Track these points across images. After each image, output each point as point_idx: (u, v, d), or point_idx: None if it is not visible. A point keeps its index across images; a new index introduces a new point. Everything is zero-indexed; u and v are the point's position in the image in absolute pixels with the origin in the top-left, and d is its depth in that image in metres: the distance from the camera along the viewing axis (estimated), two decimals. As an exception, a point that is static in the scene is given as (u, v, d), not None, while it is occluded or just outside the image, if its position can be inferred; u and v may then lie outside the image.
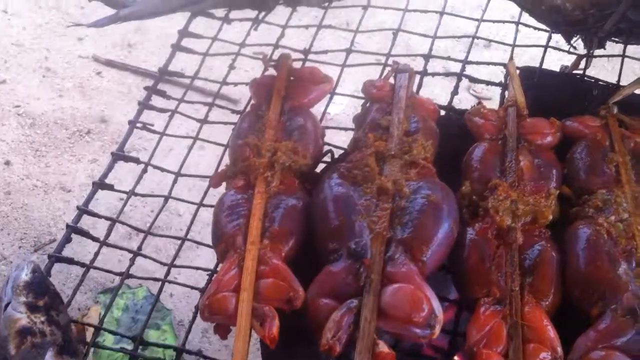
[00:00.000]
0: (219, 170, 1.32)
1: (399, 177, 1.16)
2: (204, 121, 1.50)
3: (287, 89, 1.39)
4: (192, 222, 1.30)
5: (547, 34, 1.56)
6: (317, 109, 1.41)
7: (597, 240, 1.07)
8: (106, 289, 2.38)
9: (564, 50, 1.52)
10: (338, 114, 2.75)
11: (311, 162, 1.27)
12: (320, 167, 1.34)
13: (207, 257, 1.76)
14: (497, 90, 1.48)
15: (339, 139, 1.42)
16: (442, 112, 1.41)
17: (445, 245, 1.09)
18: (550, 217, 1.13)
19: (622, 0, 1.23)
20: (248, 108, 1.42)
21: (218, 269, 1.13)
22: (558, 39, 1.54)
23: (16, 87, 3.10)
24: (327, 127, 1.44)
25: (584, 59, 1.54)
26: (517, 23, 1.58)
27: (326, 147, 1.37)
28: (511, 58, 1.50)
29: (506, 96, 1.39)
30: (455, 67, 1.53)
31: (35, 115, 2.97)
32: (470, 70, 1.51)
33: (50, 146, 2.88)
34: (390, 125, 1.27)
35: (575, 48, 1.47)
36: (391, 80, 1.40)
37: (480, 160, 1.23)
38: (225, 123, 1.47)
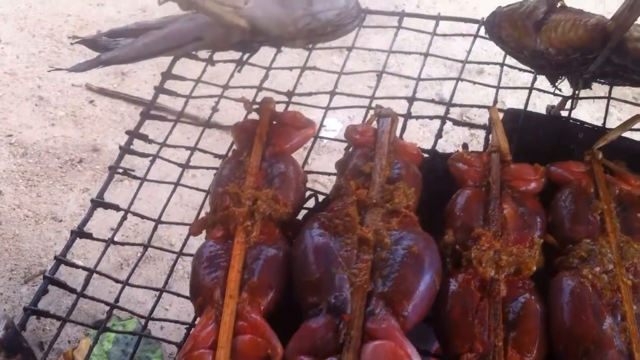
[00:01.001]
0: (200, 217, 1.30)
1: (381, 227, 1.14)
2: (185, 166, 1.48)
3: (269, 134, 1.37)
4: (170, 273, 1.27)
5: (532, 75, 1.56)
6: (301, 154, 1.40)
7: (581, 293, 1.05)
8: (97, 321, 2.35)
9: (549, 92, 1.51)
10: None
11: (292, 211, 1.25)
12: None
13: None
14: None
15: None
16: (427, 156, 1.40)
17: (427, 299, 1.07)
18: (534, 268, 1.11)
19: (605, 44, 1.22)
20: (230, 153, 1.41)
21: (196, 322, 1.10)
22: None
23: (8, 115, 3.09)
24: (310, 172, 1.43)
25: (570, 101, 1.53)
26: (502, 65, 1.57)
27: (313, 191, 1.36)
28: (496, 101, 1.49)
29: (490, 140, 1.37)
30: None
31: (27, 144, 2.96)
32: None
33: (42, 175, 2.87)
34: (372, 172, 1.26)
35: (560, 90, 1.46)
36: (375, 124, 1.39)
37: (463, 208, 1.21)
38: (208, 168, 1.45)
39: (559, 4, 1.30)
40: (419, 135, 2.75)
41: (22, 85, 3.24)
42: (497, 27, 1.37)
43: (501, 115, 1.48)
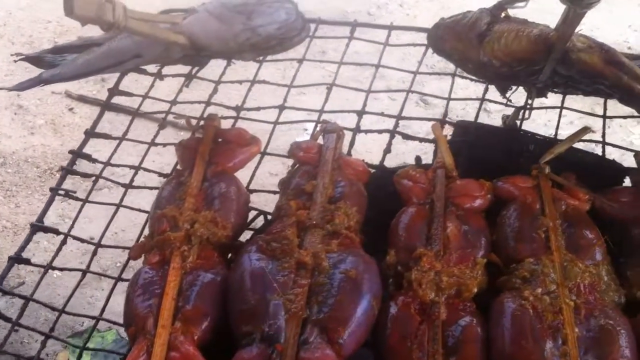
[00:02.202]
0: (140, 241, 1.27)
1: (319, 250, 1.11)
2: (128, 186, 1.44)
3: (212, 153, 1.34)
4: (107, 302, 1.23)
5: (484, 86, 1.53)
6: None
7: (521, 316, 1.02)
8: (75, 332, 2.30)
9: (500, 103, 1.48)
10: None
11: (232, 233, 1.21)
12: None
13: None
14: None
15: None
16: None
17: (364, 324, 1.04)
18: (475, 289, 1.08)
19: (549, 55, 1.19)
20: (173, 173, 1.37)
21: (128, 354, 1.07)
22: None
23: (-13, 125, 3.04)
24: (254, 191, 1.40)
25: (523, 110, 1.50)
26: (454, 75, 1.54)
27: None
28: (446, 113, 1.46)
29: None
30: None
31: (5, 154, 2.91)
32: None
33: (20, 185, 2.81)
34: (314, 191, 1.22)
35: (510, 101, 1.43)
36: (321, 140, 1.36)
37: (406, 227, 1.18)
38: (151, 188, 1.42)
39: (502, 15, 1.27)
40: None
41: (1, 94, 3.18)
42: (441, 39, 1.33)
43: (451, 128, 1.46)
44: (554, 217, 1.17)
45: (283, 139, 1.55)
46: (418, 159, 1.48)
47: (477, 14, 1.26)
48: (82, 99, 3.15)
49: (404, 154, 1.87)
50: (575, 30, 1.16)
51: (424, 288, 1.07)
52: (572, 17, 1.08)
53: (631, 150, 1.35)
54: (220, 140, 1.38)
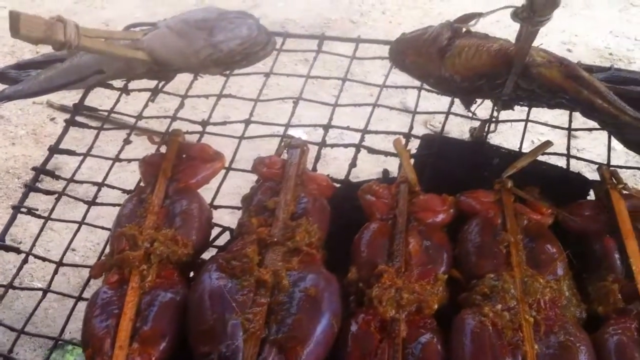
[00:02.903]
0: (101, 259, 1.25)
1: (280, 268, 1.10)
2: (91, 203, 1.43)
3: (175, 169, 1.33)
4: (67, 320, 1.21)
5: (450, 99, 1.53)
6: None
7: (481, 333, 1.01)
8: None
9: (465, 117, 1.48)
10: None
11: (193, 251, 1.20)
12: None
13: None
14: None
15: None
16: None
17: (323, 344, 1.02)
18: (436, 306, 1.08)
19: (510, 70, 1.19)
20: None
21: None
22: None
23: (-32, 136, 3.00)
24: (218, 207, 1.38)
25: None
26: (420, 89, 1.54)
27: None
28: (411, 127, 1.46)
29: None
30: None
31: None
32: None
33: (1, 197, 2.78)
34: (276, 208, 1.21)
35: (474, 115, 1.43)
36: (285, 155, 1.35)
37: (368, 244, 1.18)
38: (114, 205, 1.40)
39: (464, 29, 1.27)
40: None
41: (-18, 105, 3.16)
42: (402, 54, 1.33)
43: (417, 142, 1.45)
44: (515, 232, 1.17)
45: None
46: (385, 172, 1.47)
47: (438, 29, 1.26)
48: (64, 109, 3.13)
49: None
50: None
51: (384, 305, 1.07)
52: (526, 33, 1.07)
53: (595, 163, 1.35)
54: (184, 156, 1.37)
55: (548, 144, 1.29)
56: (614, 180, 1.23)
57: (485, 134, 1.50)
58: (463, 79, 1.24)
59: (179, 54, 1.35)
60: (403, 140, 1.37)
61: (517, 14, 1.04)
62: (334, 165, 2.25)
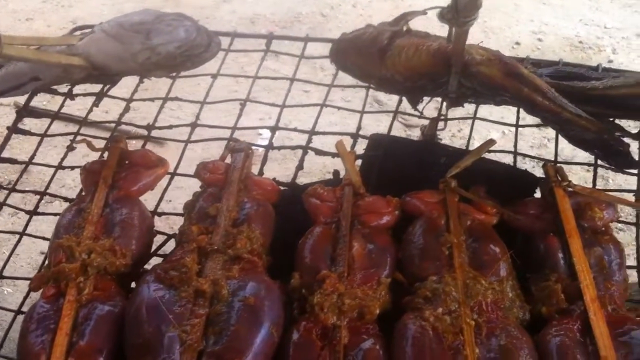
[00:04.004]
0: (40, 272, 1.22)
1: (219, 277, 1.08)
2: (33, 212, 1.39)
3: (116, 176, 1.30)
4: (5, 335, 1.18)
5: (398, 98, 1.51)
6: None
7: (421, 338, 1.00)
8: None
9: (414, 115, 1.46)
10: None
11: (131, 262, 1.17)
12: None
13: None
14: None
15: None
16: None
17: (263, 354, 1.00)
18: (377, 311, 1.06)
19: (450, 68, 1.18)
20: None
21: (19, 394, 1.02)
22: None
23: None
24: (164, 214, 1.36)
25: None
26: (368, 87, 1.52)
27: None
28: (359, 127, 1.44)
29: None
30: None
31: None
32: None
33: None
34: (218, 215, 1.19)
35: (422, 113, 1.41)
36: (229, 159, 1.33)
37: (311, 249, 1.16)
38: (55, 214, 1.36)
39: (404, 28, 1.25)
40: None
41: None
42: (343, 55, 1.31)
43: (365, 142, 1.44)
44: (458, 232, 1.15)
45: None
46: (336, 173, 1.45)
47: (378, 29, 1.24)
48: (32, 110, 3.07)
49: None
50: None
51: (325, 312, 1.05)
52: (456, 33, 1.06)
53: (542, 160, 1.34)
54: (127, 162, 1.34)
55: (491, 142, 1.28)
56: (559, 178, 1.22)
57: (434, 132, 1.48)
58: (405, 79, 1.22)
59: (116, 59, 1.32)
60: (349, 142, 1.36)
61: (443, 15, 1.02)
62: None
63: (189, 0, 3.99)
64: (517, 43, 3.68)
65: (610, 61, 3.52)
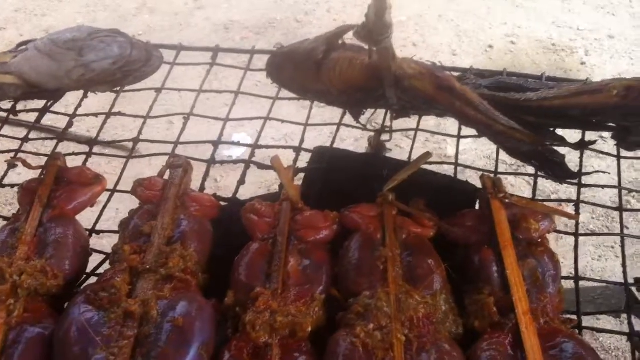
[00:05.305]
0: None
1: (150, 297, 1.06)
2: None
3: (52, 194, 1.28)
4: None
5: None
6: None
7: (350, 356, 0.99)
8: None
9: (358, 128, 1.46)
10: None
11: (64, 282, 1.15)
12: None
13: None
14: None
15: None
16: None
17: (190, 376, 0.99)
18: (309, 328, 1.05)
19: (383, 83, 1.17)
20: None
21: None
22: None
23: None
24: (102, 232, 1.34)
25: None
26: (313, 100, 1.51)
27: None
28: (302, 140, 1.43)
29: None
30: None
31: None
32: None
33: None
34: (152, 233, 1.18)
35: (365, 126, 1.41)
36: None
37: (246, 266, 1.15)
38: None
39: (340, 42, 1.24)
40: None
41: None
42: (278, 69, 1.30)
43: (308, 155, 1.43)
44: (393, 246, 1.15)
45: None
46: (282, 187, 1.44)
47: (313, 42, 1.24)
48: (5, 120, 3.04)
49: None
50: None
51: (257, 330, 1.04)
52: (377, 50, 1.06)
53: (482, 170, 1.34)
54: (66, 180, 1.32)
55: (428, 155, 1.28)
56: (496, 189, 1.22)
57: (378, 144, 1.48)
58: (340, 93, 1.22)
59: (50, 76, 1.30)
60: (293, 156, 1.35)
61: (358, 34, 1.02)
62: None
63: (163, 7, 3.99)
64: (490, 46, 3.71)
65: (582, 63, 3.57)
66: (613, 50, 3.68)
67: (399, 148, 2.60)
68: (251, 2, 3.99)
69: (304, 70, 1.24)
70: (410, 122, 1.49)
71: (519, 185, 2.53)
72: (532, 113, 1.25)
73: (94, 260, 1.27)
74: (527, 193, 2.40)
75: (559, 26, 3.86)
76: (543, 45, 3.71)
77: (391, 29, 0.96)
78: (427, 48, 3.70)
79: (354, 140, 2.70)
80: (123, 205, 1.32)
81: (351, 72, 1.19)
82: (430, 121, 1.50)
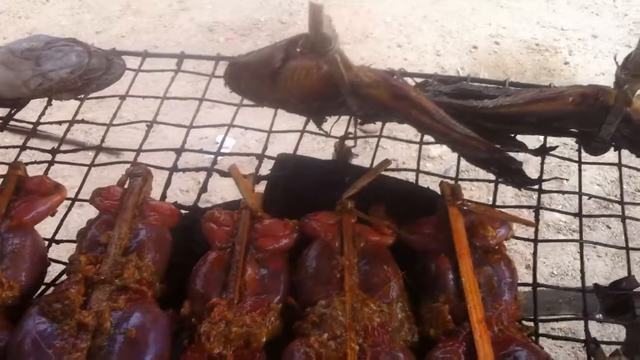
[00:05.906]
0: None
1: (104, 308, 1.06)
2: None
3: (12, 204, 1.27)
4: None
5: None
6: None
7: (304, 366, 0.99)
8: None
9: (321, 134, 1.46)
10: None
11: (20, 294, 1.14)
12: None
13: None
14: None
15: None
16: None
17: (142, 389, 0.99)
18: (264, 339, 1.05)
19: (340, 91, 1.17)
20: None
21: None
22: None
23: None
24: (62, 241, 1.33)
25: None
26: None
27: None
28: (265, 147, 1.43)
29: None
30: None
31: None
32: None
33: None
34: (109, 243, 1.17)
35: (327, 133, 1.41)
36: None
37: (203, 276, 1.14)
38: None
39: (297, 50, 1.24)
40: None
41: None
42: (236, 78, 1.30)
43: (271, 162, 1.43)
44: (351, 255, 1.15)
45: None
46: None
47: (271, 50, 1.23)
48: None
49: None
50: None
51: (211, 341, 1.03)
52: (326, 61, 1.05)
53: (441, 177, 1.34)
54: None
55: (387, 162, 1.28)
56: (454, 196, 1.22)
57: (344, 150, 1.48)
58: (299, 101, 1.22)
59: (7, 85, 1.29)
60: (255, 163, 1.35)
61: (303, 47, 1.02)
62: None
63: (147, 9, 3.97)
64: (475, 47, 3.72)
65: (566, 63, 3.59)
66: (597, 49, 3.70)
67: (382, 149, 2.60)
68: (236, 4, 3.98)
69: (261, 79, 1.23)
70: (377, 127, 1.49)
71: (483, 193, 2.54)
72: (489, 120, 1.26)
73: (56, 270, 1.27)
74: (508, 200, 2.41)
75: (543, 26, 3.88)
76: (527, 45, 3.73)
77: (335, 40, 0.96)
78: (411, 49, 3.71)
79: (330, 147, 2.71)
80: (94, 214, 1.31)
81: (309, 81, 1.18)
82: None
